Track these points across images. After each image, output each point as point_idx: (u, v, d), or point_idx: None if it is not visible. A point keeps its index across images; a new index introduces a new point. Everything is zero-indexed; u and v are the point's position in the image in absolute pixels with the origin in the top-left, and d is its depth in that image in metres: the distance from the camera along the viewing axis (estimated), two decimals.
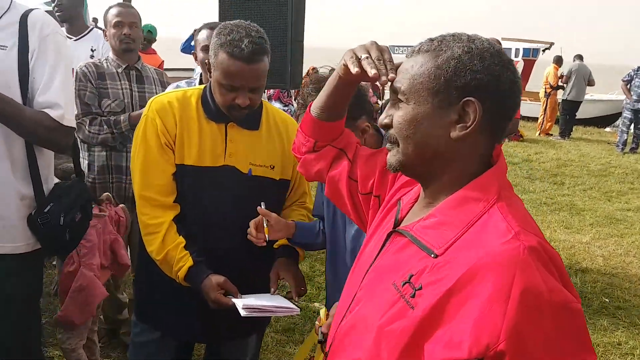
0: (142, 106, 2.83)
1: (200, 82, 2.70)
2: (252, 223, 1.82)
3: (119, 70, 2.90)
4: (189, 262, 1.80)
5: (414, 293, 0.90)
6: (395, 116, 1.00)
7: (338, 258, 1.90)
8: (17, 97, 1.76)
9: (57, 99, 1.82)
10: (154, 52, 6.39)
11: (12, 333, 1.88)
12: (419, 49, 1.00)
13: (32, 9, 1.84)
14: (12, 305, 1.86)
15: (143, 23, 3.24)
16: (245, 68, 1.71)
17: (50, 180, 1.94)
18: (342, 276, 1.85)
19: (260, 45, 1.73)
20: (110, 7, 2.98)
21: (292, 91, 6.78)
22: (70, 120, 1.85)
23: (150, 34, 6.41)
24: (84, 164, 2.92)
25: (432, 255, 0.91)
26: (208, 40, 2.70)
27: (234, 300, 1.75)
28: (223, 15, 2.89)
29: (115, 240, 2.58)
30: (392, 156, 1.03)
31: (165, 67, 6.14)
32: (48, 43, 1.81)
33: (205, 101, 1.87)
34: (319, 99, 1.30)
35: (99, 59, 2.98)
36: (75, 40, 3.58)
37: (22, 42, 1.77)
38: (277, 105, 6.65)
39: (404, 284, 0.93)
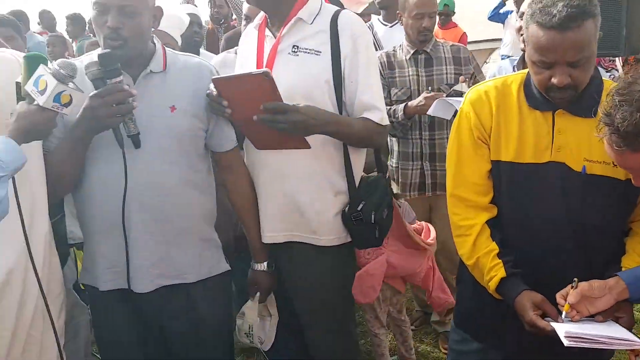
0: (429, 90, 2.72)
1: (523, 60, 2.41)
2: (558, 295, 1.51)
3: (407, 57, 2.82)
4: (501, 272, 1.61)
5: None
6: None
7: None
8: (330, 101, 1.82)
9: (376, 101, 1.84)
10: (455, 26, 6.21)
11: (331, 319, 2.00)
12: None
13: (340, 10, 1.86)
14: (332, 293, 1.98)
15: None
16: (557, 38, 1.41)
17: (358, 175, 1.98)
18: None
19: (580, 8, 1.40)
20: None
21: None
22: (386, 120, 1.87)
23: (447, 8, 6.27)
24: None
25: None
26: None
27: (553, 324, 1.47)
28: None
29: None
30: None
31: (469, 39, 5.87)
32: (360, 45, 1.82)
33: (527, 87, 1.62)
34: None
35: (394, 47, 2.94)
36: (390, 26, 3.64)
37: (334, 45, 1.80)
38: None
39: None
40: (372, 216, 1.88)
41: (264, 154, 1.89)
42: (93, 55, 1.69)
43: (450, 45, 2.90)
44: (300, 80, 1.76)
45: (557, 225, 1.59)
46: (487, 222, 1.67)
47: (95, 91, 1.58)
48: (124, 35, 1.62)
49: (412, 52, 2.82)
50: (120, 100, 1.56)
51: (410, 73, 2.81)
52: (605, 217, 1.58)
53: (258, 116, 1.66)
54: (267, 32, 1.90)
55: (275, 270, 2.01)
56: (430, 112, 2.60)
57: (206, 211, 1.88)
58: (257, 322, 2.03)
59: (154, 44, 1.78)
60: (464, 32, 5.97)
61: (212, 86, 1.74)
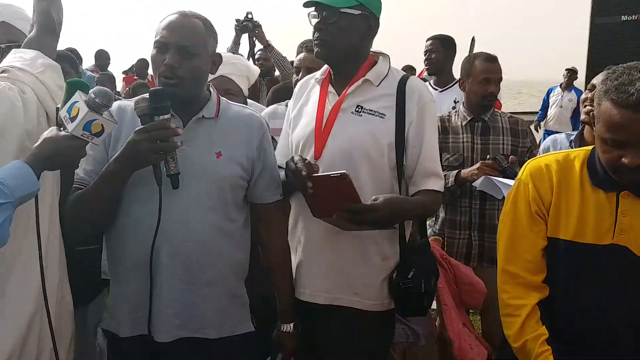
0: (482, 159, 2.67)
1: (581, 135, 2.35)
2: None
3: (464, 123, 2.78)
4: None
5: None
6: None
7: None
8: (389, 164, 1.84)
9: (438, 168, 1.87)
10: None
11: None
12: None
13: (408, 75, 1.89)
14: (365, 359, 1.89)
15: None
16: (632, 118, 1.37)
17: (405, 240, 1.94)
18: None
19: None
20: (476, 57, 2.83)
21: None
22: (442, 186, 1.89)
23: None
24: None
25: None
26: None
27: None
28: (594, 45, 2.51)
29: None
30: None
31: (517, 110, 5.89)
32: (425, 112, 1.84)
33: (591, 164, 1.57)
34: None
35: (449, 112, 2.92)
36: (440, 91, 3.67)
37: (400, 110, 1.82)
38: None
39: None
40: (422, 285, 1.83)
41: None
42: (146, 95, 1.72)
43: (509, 117, 2.86)
44: (361, 141, 1.78)
45: (614, 314, 1.51)
46: (538, 303, 1.59)
47: (140, 126, 1.57)
48: (180, 74, 1.62)
49: (469, 118, 2.78)
50: (165, 137, 1.54)
51: (465, 139, 2.76)
52: None
53: (337, 215, 1.68)
54: (331, 88, 1.92)
55: (308, 330, 1.93)
56: (476, 184, 2.52)
57: (237, 265, 1.80)
58: None
59: (210, 91, 1.79)
60: (498, 100, 6.01)
61: (296, 157, 1.75)
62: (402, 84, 1.84)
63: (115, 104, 1.75)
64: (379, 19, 1.88)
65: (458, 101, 3.53)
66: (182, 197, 1.64)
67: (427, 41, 3.83)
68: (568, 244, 1.55)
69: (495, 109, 2.86)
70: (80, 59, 7.69)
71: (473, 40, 4.99)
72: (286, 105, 2.67)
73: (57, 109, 1.50)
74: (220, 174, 1.71)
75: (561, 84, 8.21)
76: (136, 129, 1.56)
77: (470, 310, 2.88)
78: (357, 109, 1.84)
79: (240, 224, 1.80)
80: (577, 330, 1.55)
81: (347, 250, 1.84)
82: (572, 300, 1.56)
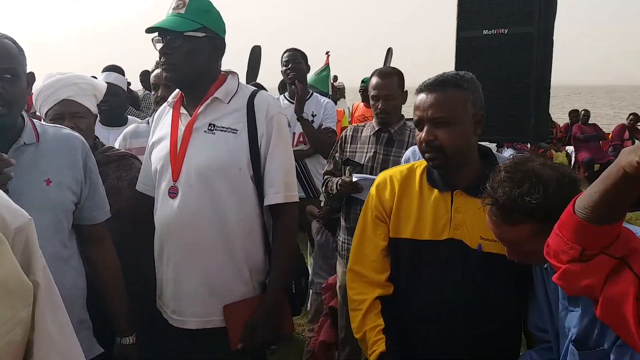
0: (383, 169, 2.64)
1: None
2: None
3: (372, 133, 2.79)
4: (381, 347, 1.66)
5: None
6: None
7: None
8: (247, 177, 1.86)
9: (273, 180, 1.88)
10: None
11: None
12: None
13: (257, 91, 1.94)
14: None
15: None
16: (422, 98, 1.65)
17: None
18: None
19: (445, 78, 1.64)
20: (374, 73, 2.83)
21: None
22: (291, 197, 1.91)
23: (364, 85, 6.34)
24: None
25: None
26: None
27: None
28: (460, 57, 2.62)
29: None
30: None
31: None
32: (273, 124, 1.88)
33: (430, 169, 1.73)
34: (587, 197, 1.04)
35: (365, 123, 2.95)
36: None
37: (251, 124, 1.86)
38: (508, 152, 6.01)
39: None
40: (293, 286, 1.92)
41: (173, 224, 1.86)
42: None
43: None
44: (217, 158, 1.82)
45: (452, 302, 1.63)
46: (381, 298, 1.72)
47: None
48: (8, 99, 1.54)
49: (377, 129, 2.80)
50: None
51: (369, 150, 2.79)
52: (498, 293, 1.63)
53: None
54: (183, 110, 1.93)
55: (178, 355, 1.92)
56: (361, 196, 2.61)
57: (80, 291, 1.77)
58: None
59: (22, 116, 1.67)
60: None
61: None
62: (251, 99, 1.89)
63: None
64: (224, 39, 1.92)
65: (316, 115, 3.66)
66: None
67: (285, 52, 3.82)
68: (408, 242, 1.69)
69: (407, 123, 2.82)
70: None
71: (389, 51, 4.93)
72: (147, 123, 2.60)
73: None
74: (52, 202, 1.64)
75: None
76: None
77: None
78: (209, 127, 1.86)
79: (74, 249, 1.76)
80: (423, 319, 1.67)
81: (215, 266, 1.84)
82: (417, 292, 1.68)
